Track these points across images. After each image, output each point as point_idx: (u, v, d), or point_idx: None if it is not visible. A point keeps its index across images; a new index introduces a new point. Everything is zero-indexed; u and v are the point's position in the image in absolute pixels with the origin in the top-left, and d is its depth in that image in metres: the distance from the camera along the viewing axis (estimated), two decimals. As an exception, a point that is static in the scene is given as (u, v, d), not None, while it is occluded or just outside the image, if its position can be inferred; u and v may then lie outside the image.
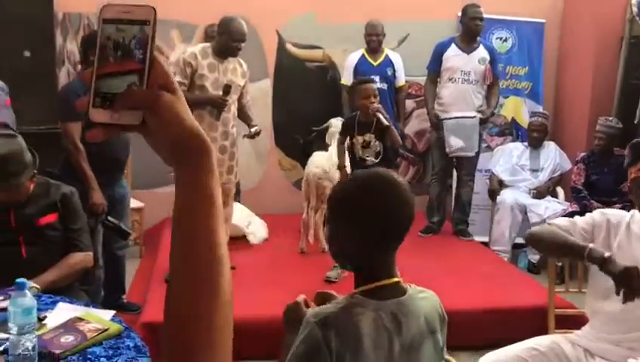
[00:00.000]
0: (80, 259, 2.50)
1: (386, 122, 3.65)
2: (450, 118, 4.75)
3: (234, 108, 3.85)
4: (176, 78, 3.59)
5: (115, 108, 0.63)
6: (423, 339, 1.34)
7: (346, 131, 3.89)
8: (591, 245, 1.95)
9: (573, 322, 2.42)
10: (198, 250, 0.66)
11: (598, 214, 2.17)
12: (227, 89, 3.64)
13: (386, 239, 1.36)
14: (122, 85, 0.63)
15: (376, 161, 3.72)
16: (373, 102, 3.67)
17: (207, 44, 3.83)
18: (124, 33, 0.63)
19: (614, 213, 2.18)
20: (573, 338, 2.14)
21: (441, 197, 5.05)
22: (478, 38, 4.88)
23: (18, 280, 1.60)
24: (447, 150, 4.82)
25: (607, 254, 1.89)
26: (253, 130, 3.93)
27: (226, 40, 3.70)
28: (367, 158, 3.74)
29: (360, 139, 3.75)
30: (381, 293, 1.33)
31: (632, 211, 2.20)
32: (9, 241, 2.40)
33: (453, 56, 4.82)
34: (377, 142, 3.73)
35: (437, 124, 4.83)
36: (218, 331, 0.66)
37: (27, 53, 4.72)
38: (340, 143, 3.97)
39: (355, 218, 1.34)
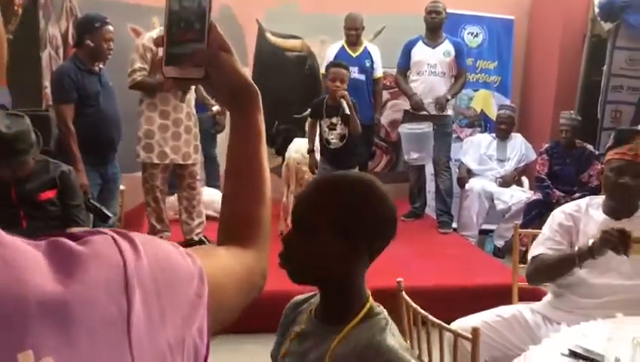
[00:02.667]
0: (78, 233, 2.64)
1: (347, 110, 3.77)
2: (406, 130, 5.00)
3: (194, 88, 3.98)
4: (137, 65, 3.70)
5: (183, 65, 0.79)
6: None
7: (314, 114, 4.03)
8: (575, 249, 2.18)
9: (534, 295, 2.67)
10: (251, 168, 0.84)
11: (559, 215, 2.38)
12: None
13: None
14: (188, 48, 0.79)
15: (341, 143, 3.89)
16: (339, 87, 3.80)
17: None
18: (186, 9, 0.79)
19: (570, 206, 2.42)
20: (534, 307, 2.38)
21: (420, 183, 5.31)
22: (444, 34, 5.11)
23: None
24: (406, 158, 5.11)
25: (590, 242, 2.13)
26: (214, 109, 4.10)
27: None
28: (332, 140, 3.91)
29: (327, 121, 3.91)
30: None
31: (586, 198, 2.45)
32: (11, 215, 2.53)
33: (420, 51, 5.06)
34: (343, 126, 3.89)
35: (420, 105, 4.98)
36: (264, 228, 0.84)
37: (10, 36, 4.77)
38: (311, 127, 4.10)
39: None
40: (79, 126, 3.33)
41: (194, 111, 4.05)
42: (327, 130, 3.93)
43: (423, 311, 1.60)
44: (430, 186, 5.37)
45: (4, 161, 2.46)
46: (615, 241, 2.07)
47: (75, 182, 2.74)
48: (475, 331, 1.56)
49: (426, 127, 4.91)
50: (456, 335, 1.57)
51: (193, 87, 3.98)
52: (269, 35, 5.61)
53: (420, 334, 1.84)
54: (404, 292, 1.86)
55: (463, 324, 2.25)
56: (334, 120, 3.89)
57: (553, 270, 2.27)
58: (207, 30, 0.78)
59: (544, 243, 2.35)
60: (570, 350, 1.76)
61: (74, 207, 2.68)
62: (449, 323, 2.32)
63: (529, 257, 2.40)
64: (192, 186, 4.17)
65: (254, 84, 0.85)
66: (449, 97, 4.98)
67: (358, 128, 3.93)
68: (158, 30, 3.95)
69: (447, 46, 5.04)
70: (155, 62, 3.70)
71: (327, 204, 1.18)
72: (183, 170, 4.12)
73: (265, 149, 0.87)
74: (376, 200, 1.19)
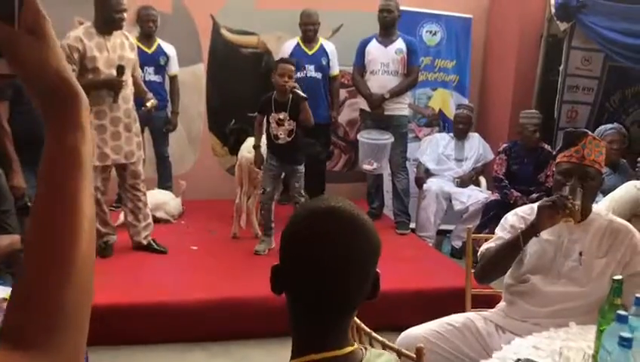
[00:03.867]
0: (7, 241, 2.47)
1: (302, 94, 3.83)
2: (365, 139, 4.92)
3: (130, 83, 3.86)
4: None
5: None
6: None
7: (262, 109, 4.02)
8: (519, 231, 2.15)
9: (488, 302, 2.61)
10: (54, 213, 0.57)
11: (512, 218, 2.33)
12: (121, 70, 3.65)
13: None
14: None
15: (289, 139, 3.93)
16: (288, 82, 3.84)
17: (89, 24, 3.77)
18: None
19: (524, 209, 2.37)
20: (487, 315, 2.31)
21: (377, 183, 5.24)
22: (398, 32, 5.02)
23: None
24: (361, 167, 5.04)
25: (530, 223, 2.13)
26: (149, 103, 3.96)
27: (108, 12, 3.67)
28: (280, 136, 3.93)
29: (275, 116, 3.92)
30: None
31: (540, 202, 2.40)
32: None
33: (373, 49, 4.97)
34: (291, 121, 3.91)
35: (379, 100, 4.86)
36: (65, 317, 0.55)
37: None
38: (259, 123, 4.10)
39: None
40: (15, 125, 3.14)
41: (132, 106, 3.89)
42: (275, 125, 3.93)
43: (366, 328, 1.50)
44: (388, 186, 5.31)
45: None
46: (552, 206, 2.06)
47: (5, 186, 2.57)
48: (418, 351, 1.47)
49: (386, 139, 4.85)
50: (400, 354, 1.47)
51: (130, 80, 3.84)
52: (224, 32, 5.46)
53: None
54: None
55: (412, 334, 2.17)
56: (282, 115, 3.90)
57: (499, 257, 2.22)
58: (16, 5, 0.58)
59: (494, 242, 2.30)
60: (520, 364, 1.69)
61: (2, 213, 2.50)
62: (402, 330, 2.25)
63: (478, 256, 2.34)
64: (136, 187, 4.00)
65: (75, 86, 0.61)
66: (387, 96, 4.86)
67: (311, 119, 3.94)
68: (82, 28, 3.74)
69: (399, 44, 4.96)
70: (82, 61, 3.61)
71: None
72: (124, 170, 3.95)
73: (85, 185, 0.59)
74: (297, 236, 1.06)
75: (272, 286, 1.08)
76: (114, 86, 3.66)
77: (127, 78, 3.78)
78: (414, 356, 1.37)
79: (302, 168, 4.09)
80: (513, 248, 2.17)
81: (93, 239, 0.59)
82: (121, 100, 3.75)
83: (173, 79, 5.04)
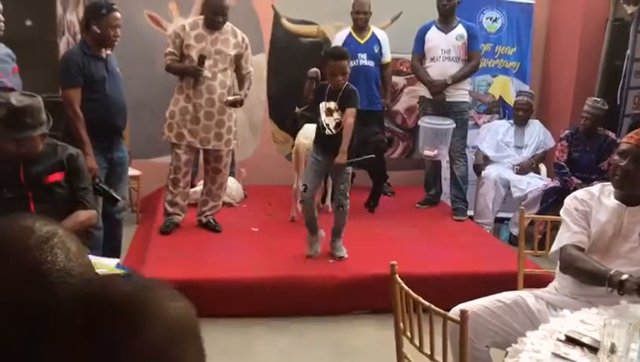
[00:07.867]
0: (86, 216, 2.67)
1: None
2: (427, 124, 4.92)
3: (221, 76, 4.08)
4: (168, 49, 4.03)
5: None
6: None
7: (317, 97, 3.81)
8: (610, 272, 2.04)
9: (541, 283, 2.63)
10: None
11: (573, 201, 2.32)
12: (202, 59, 3.94)
13: None
14: None
15: (334, 132, 3.68)
16: (340, 81, 3.62)
17: (201, 17, 4.14)
18: None
19: (580, 193, 2.36)
20: (538, 292, 2.34)
21: (435, 170, 5.27)
22: (457, 18, 5.00)
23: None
24: (421, 153, 5.07)
25: (623, 277, 2.00)
26: (231, 97, 4.08)
27: (207, 13, 4.05)
28: (327, 126, 3.70)
29: (325, 105, 3.71)
30: None
31: (598, 185, 2.39)
32: (19, 196, 2.56)
33: (434, 36, 4.98)
34: (340, 113, 3.67)
35: (441, 86, 4.88)
36: None
37: (29, 23, 4.83)
38: (313, 107, 3.94)
39: None
40: (85, 111, 3.38)
41: (219, 98, 4.07)
42: (324, 114, 3.74)
43: (414, 295, 1.58)
44: (446, 173, 5.31)
45: (10, 134, 2.47)
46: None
47: (83, 165, 2.77)
48: (463, 314, 1.54)
49: (447, 125, 4.86)
50: (445, 318, 1.55)
51: (222, 73, 4.07)
52: (284, 22, 5.60)
53: (412, 317, 1.82)
54: (397, 276, 1.84)
55: (463, 309, 2.23)
56: (332, 105, 3.70)
57: (582, 278, 2.19)
58: None
59: (569, 229, 2.28)
60: (566, 336, 1.73)
61: (81, 190, 2.70)
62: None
63: (555, 247, 2.31)
64: (216, 169, 4.29)
65: None
66: (449, 81, 4.86)
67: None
68: (192, 19, 4.16)
69: (460, 30, 4.95)
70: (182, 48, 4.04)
71: None
72: (208, 154, 4.27)
73: None
74: None
75: None
76: (191, 73, 3.98)
77: (218, 70, 4.04)
78: (459, 319, 1.45)
79: (349, 169, 3.82)
80: (597, 283, 2.10)
81: None
82: (205, 89, 4.03)
83: None
